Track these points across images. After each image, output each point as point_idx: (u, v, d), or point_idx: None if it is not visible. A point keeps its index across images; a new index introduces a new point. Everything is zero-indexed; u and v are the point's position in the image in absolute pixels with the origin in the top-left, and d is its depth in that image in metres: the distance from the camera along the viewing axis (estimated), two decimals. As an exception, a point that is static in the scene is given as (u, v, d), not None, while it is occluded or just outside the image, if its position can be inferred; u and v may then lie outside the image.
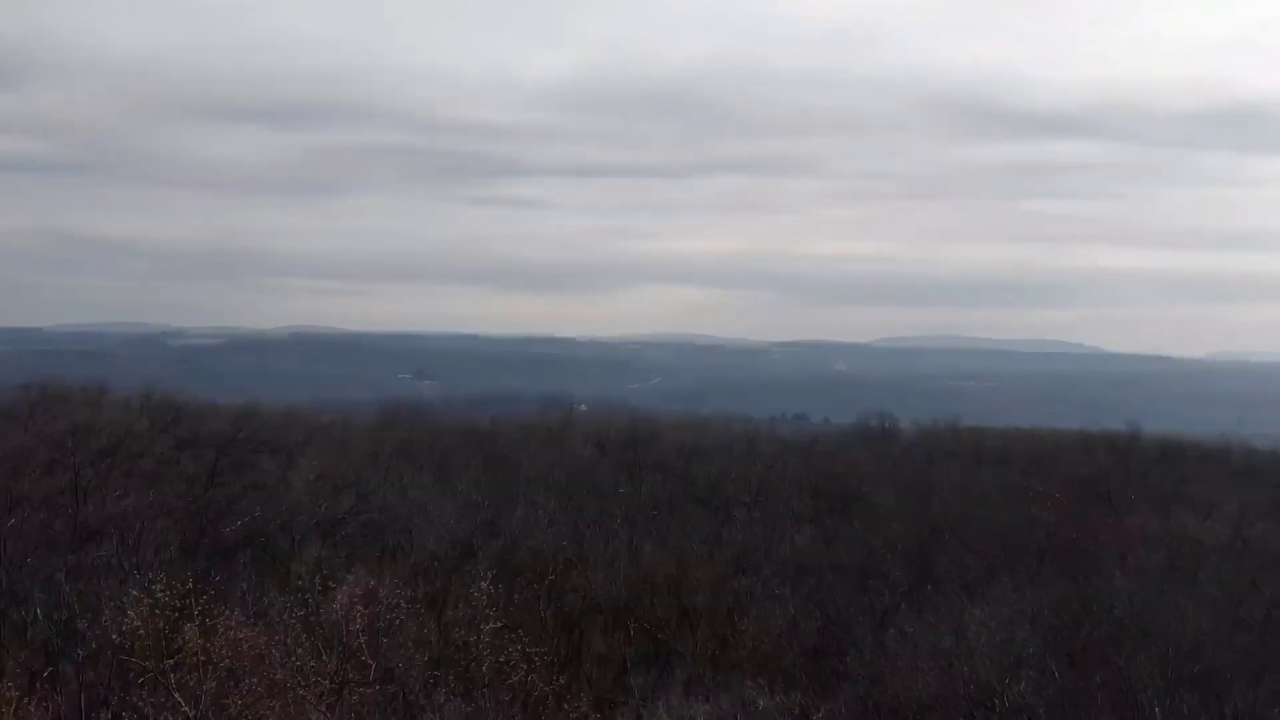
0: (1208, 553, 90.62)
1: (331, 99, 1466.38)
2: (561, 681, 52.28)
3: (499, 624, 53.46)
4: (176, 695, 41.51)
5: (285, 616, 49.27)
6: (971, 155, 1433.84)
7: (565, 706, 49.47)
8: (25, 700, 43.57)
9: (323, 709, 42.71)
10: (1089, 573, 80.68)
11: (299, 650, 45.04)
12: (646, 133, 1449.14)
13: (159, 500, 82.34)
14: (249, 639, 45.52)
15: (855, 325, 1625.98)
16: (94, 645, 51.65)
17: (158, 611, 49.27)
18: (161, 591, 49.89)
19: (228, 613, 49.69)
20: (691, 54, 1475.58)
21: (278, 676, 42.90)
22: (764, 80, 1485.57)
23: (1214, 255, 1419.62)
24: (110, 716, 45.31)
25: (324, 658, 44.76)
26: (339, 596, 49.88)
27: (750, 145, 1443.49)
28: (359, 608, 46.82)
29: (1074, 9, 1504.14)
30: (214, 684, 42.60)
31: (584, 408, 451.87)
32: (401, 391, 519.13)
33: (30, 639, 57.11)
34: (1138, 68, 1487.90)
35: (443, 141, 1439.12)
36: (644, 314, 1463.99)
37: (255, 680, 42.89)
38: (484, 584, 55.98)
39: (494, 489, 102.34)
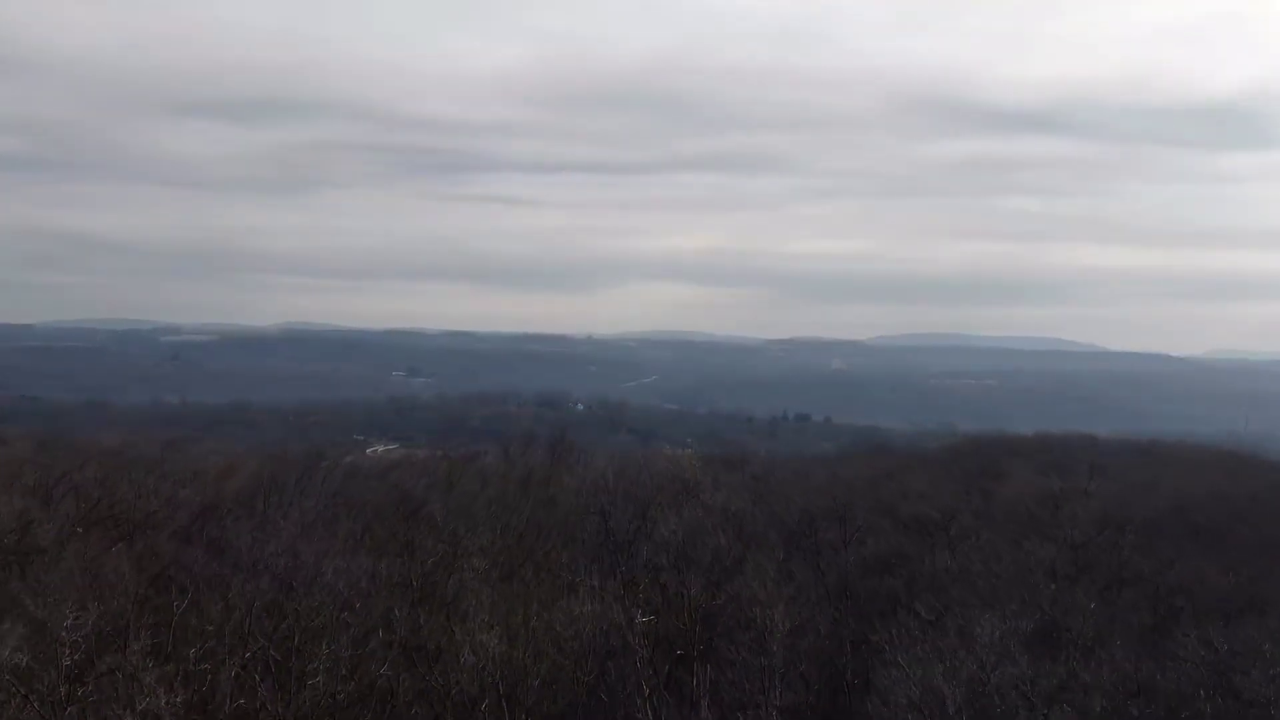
0: None
1: (290, 94, 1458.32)
2: None
3: None
4: None
5: None
6: (939, 152, 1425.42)
7: None
8: None
9: None
10: None
11: None
12: (610, 128, 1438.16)
13: None
14: None
15: (849, 323, 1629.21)
16: None
17: None
18: None
19: None
20: (648, 49, 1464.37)
21: None
22: (723, 75, 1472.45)
23: (1201, 253, 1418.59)
24: None
25: None
26: None
27: (716, 141, 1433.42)
28: None
29: (1034, 3, 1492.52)
30: None
31: (581, 407, 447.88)
32: (395, 390, 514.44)
33: None
34: (1100, 63, 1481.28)
35: (406, 137, 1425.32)
36: (633, 311, 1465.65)
37: None
38: None
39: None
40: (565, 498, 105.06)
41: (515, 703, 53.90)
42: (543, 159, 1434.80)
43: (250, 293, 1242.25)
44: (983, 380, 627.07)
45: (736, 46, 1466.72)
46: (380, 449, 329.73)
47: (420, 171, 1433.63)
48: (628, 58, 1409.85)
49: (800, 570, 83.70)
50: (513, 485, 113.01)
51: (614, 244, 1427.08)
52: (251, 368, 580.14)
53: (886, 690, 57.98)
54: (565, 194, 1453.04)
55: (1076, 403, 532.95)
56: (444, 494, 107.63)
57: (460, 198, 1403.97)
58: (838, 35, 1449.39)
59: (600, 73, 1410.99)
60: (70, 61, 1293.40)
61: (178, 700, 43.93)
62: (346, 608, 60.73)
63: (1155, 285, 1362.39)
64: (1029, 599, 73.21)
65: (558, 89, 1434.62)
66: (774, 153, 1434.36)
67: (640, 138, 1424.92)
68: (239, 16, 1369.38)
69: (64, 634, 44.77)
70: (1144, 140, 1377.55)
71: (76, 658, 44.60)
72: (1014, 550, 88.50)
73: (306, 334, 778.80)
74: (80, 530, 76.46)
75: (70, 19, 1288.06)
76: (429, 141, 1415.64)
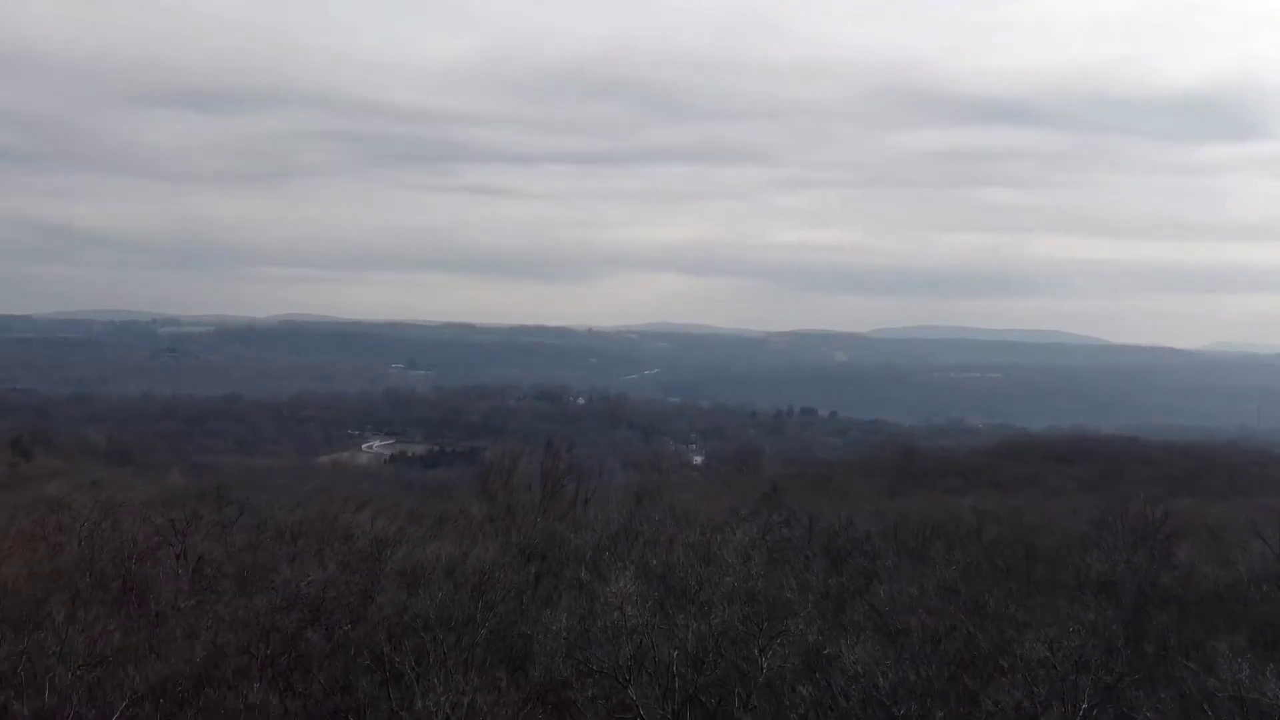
0: None
1: (265, 86, 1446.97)
2: None
3: None
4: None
5: None
6: (912, 142, 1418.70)
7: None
8: None
9: None
10: None
11: None
12: (580, 118, 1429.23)
13: None
14: None
15: (848, 315, 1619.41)
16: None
17: None
18: None
19: None
20: (610, 38, 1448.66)
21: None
22: (691, 65, 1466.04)
23: (1185, 245, 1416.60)
24: None
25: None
26: None
27: (689, 131, 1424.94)
28: None
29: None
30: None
31: (581, 400, 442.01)
32: (393, 382, 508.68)
33: None
34: (1069, 53, 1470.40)
35: (379, 127, 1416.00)
36: (631, 303, 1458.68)
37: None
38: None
39: None
40: (550, 637, 60.55)
41: None
42: (519, 149, 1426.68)
43: (247, 284, 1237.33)
44: (986, 374, 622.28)
45: (704, 35, 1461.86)
46: (375, 444, 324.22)
47: (397, 162, 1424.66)
48: (591, 48, 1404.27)
49: None
50: (468, 589, 66.30)
51: (601, 235, 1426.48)
52: (249, 359, 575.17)
53: None
54: (545, 184, 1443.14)
55: (1080, 397, 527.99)
56: (354, 606, 65.96)
57: (439, 188, 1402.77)
58: (805, 25, 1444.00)
59: (562, 62, 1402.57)
60: (54, 57, 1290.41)
61: None
62: None
63: (1150, 278, 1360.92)
64: None
65: (525, 79, 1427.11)
66: (748, 143, 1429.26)
67: (612, 128, 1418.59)
68: (217, 11, 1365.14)
69: None
70: (1117, 131, 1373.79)
71: None
72: None
73: (304, 326, 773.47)
74: None
75: (56, 16, 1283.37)
76: (403, 132, 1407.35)
